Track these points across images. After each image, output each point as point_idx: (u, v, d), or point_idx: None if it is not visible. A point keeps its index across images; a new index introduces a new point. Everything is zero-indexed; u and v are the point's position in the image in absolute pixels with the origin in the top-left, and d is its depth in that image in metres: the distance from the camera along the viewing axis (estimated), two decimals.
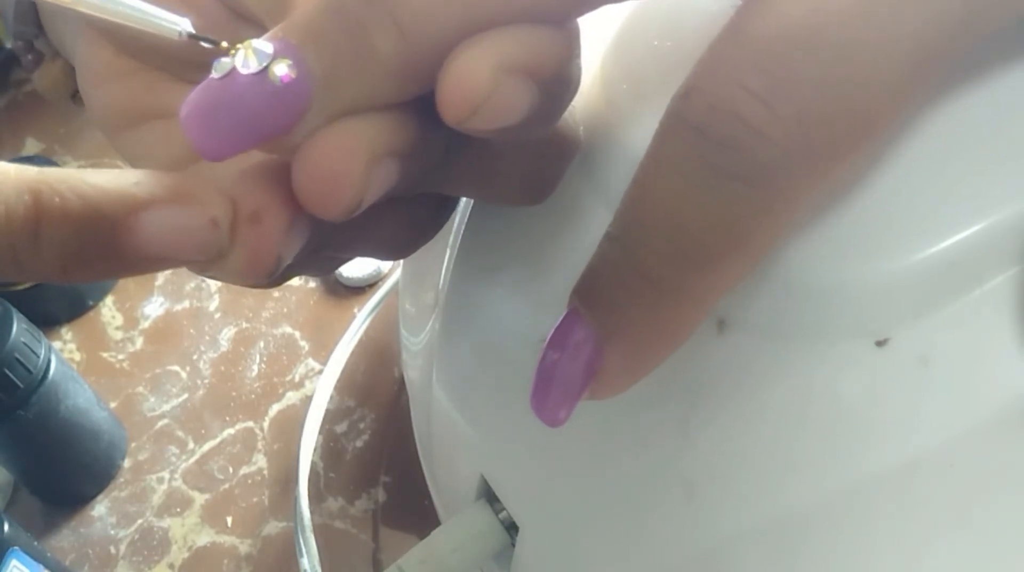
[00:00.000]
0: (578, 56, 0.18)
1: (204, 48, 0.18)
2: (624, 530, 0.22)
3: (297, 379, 0.49)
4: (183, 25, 0.17)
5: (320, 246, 0.20)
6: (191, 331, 0.51)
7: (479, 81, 0.16)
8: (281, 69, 0.16)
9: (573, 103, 0.20)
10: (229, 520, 0.44)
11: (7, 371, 0.39)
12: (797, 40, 0.15)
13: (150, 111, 0.25)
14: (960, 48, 0.16)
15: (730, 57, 0.16)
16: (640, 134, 0.21)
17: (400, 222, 0.22)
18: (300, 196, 0.17)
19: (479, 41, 0.17)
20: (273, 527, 0.44)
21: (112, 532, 0.45)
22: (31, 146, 0.61)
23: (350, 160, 0.17)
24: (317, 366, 0.49)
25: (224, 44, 0.17)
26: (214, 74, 0.17)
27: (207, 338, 0.51)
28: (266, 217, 0.17)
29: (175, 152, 0.25)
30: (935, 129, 0.19)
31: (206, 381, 0.49)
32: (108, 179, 0.17)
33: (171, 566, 0.43)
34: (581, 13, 0.18)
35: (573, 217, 0.23)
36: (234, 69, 0.16)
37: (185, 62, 0.25)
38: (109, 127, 0.26)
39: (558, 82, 0.18)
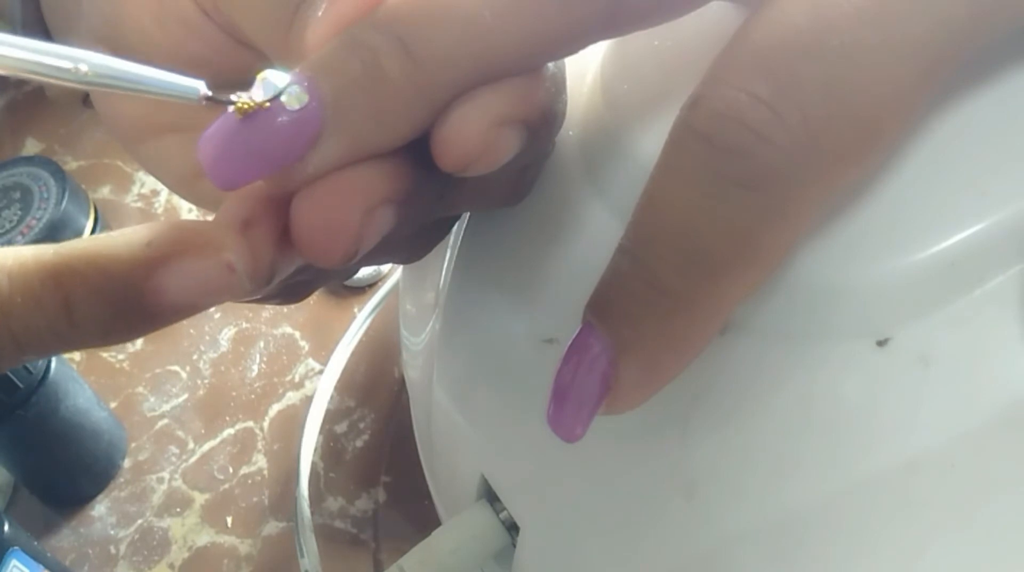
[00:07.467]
0: (564, 91, 0.19)
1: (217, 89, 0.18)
2: (625, 530, 0.22)
3: (297, 379, 0.49)
4: (200, 88, 0.17)
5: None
6: (191, 331, 0.51)
7: (476, 137, 0.17)
8: (294, 95, 0.17)
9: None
10: (229, 520, 0.44)
11: (7, 371, 0.39)
12: (803, 46, 0.15)
13: (162, 126, 0.26)
14: (965, 54, 0.16)
15: (737, 65, 0.16)
16: (640, 134, 0.21)
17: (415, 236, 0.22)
18: (298, 245, 0.17)
19: (474, 98, 0.17)
20: (273, 527, 0.44)
21: (112, 532, 0.45)
22: (31, 146, 0.61)
23: (346, 211, 0.17)
24: (317, 366, 0.49)
25: (241, 102, 0.17)
26: (230, 109, 0.17)
27: (207, 338, 0.51)
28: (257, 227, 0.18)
29: (191, 164, 0.25)
30: (936, 130, 0.19)
31: (206, 381, 0.49)
32: (121, 244, 0.17)
33: (171, 566, 0.43)
34: (574, 51, 0.18)
35: (573, 217, 0.23)
36: (251, 103, 0.17)
37: None
38: (126, 140, 0.27)
39: (546, 119, 0.19)
